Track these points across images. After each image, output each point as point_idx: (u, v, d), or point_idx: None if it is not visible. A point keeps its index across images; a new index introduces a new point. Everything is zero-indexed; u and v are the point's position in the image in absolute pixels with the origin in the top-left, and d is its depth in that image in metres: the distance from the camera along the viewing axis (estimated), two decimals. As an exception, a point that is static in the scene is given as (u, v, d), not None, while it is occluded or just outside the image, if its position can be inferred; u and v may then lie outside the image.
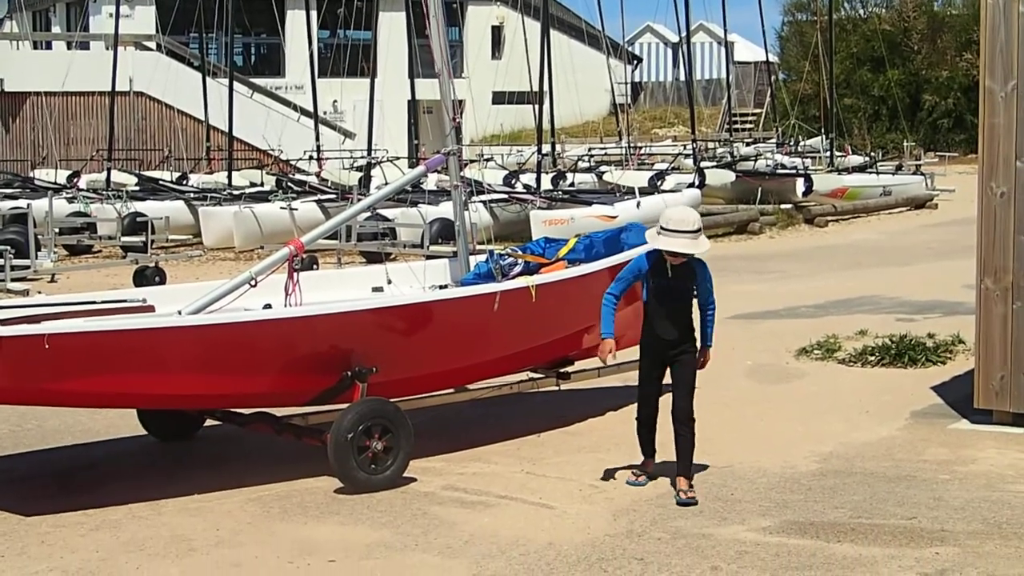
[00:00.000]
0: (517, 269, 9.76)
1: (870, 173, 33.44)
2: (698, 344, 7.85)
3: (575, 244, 10.33)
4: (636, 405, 8.06)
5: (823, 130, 36.79)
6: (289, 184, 27.57)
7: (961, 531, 6.93)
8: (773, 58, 48.04)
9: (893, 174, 33.77)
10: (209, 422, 9.31)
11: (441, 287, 9.99)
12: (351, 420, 7.90)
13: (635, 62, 57.12)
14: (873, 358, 11.87)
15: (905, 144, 40.64)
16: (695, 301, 7.90)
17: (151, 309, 8.83)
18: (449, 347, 8.87)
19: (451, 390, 9.50)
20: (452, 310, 8.90)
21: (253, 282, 8.62)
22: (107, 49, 33.20)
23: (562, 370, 10.01)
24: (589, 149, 38.73)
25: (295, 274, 8.78)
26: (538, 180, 26.62)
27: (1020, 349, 9.22)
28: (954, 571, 6.30)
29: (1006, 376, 9.28)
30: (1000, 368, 9.30)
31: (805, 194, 30.03)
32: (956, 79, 49.49)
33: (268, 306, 8.71)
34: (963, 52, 49.16)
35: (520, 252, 10.24)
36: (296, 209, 22.70)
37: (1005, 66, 9.26)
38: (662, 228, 7.59)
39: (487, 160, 33.67)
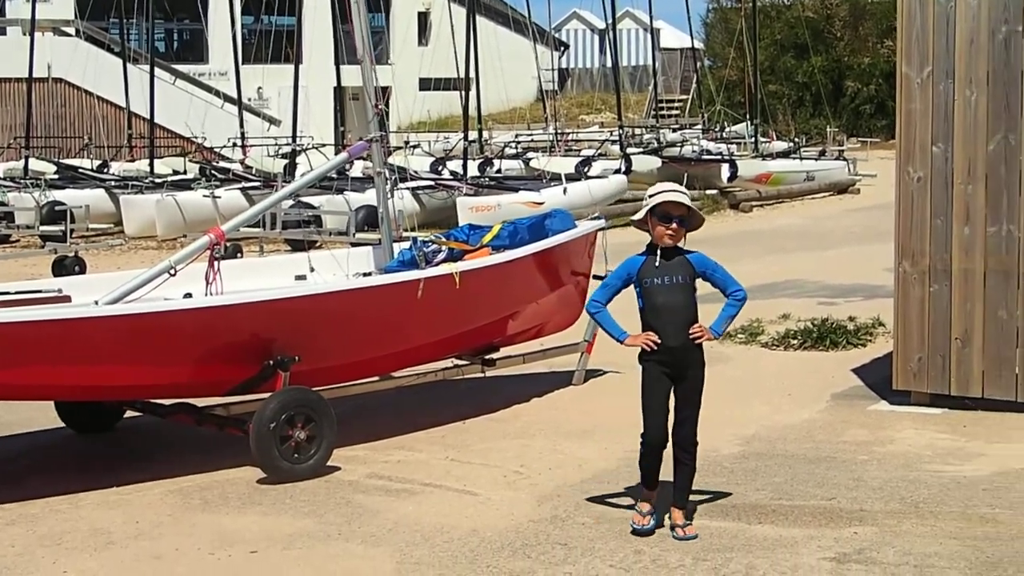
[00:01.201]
0: (441, 256, 9.74)
1: (794, 159, 33.78)
2: (705, 356, 6.84)
3: (499, 231, 10.33)
4: (643, 433, 6.73)
5: (748, 116, 37.09)
6: (212, 172, 27.33)
7: (879, 511, 7.03)
8: (699, 45, 48.41)
9: (816, 160, 34.14)
10: (129, 414, 9.22)
11: (364, 275, 9.95)
12: (273, 409, 7.85)
13: (562, 49, 57.20)
14: (796, 341, 11.99)
15: (828, 130, 41.09)
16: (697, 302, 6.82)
17: (67, 299, 8.71)
18: (373, 335, 8.84)
19: (376, 378, 9.47)
20: (375, 298, 8.86)
21: (172, 271, 8.54)
22: (24, 35, 32.68)
23: (487, 357, 10.03)
24: (516, 136, 38.75)
25: (215, 262, 8.70)
26: (465, 167, 26.60)
27: (937, 331, 9.36)
28: (872, 550, 6.38)
29: (923, 357, 9.41)
30: (918, 350, 9.43)
31: (730, 180, 30.25)
32: (878, 66, 50.07)
33: (189, 295, 8.63)
34: (884, 39, 49.72)
35: (444, 239, 10.22)
36: (219, 197, 22.50)
37: (921, 53, 9.37)
38: (655, 194, 6.68)
39: (413, 147, 33.56)
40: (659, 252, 6.67)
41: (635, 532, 6.69)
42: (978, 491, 7.33)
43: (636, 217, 6.76)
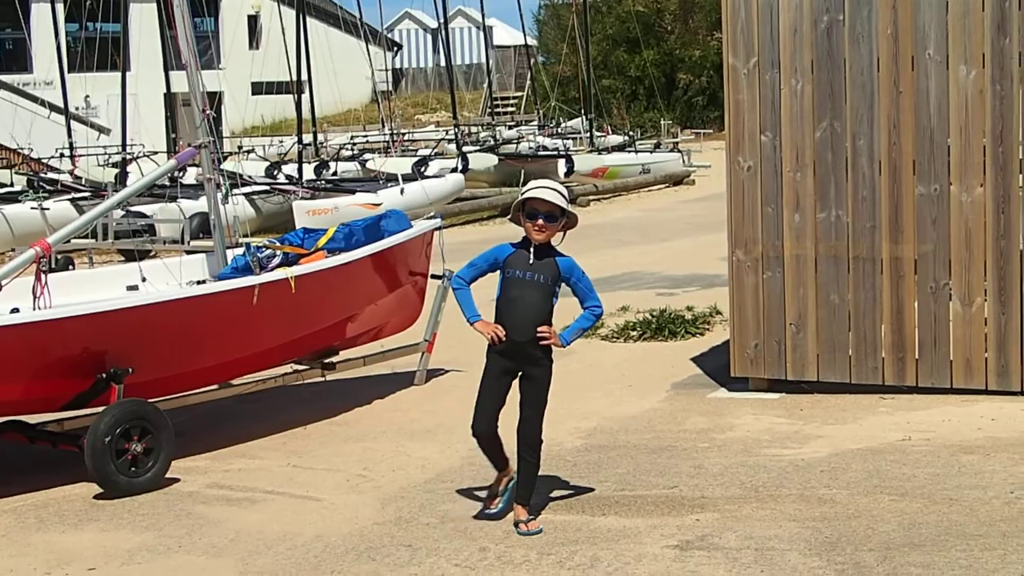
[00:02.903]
0: (276, 261, 9.59)
1: (629, 152, 34.24)
2: (553, 358, 6.80)
3: (334, 233, 10.22)
4: (473, 418, 6.76)
5: (583, 111, 37.45)
6: (41, 183, 26.55)
7: (720, 496, 7.12)
8: (532, 41, 48.74)
9: (651, 152, 34.66)
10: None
11: (198, 283, 9.75)
12: (108, 423, 7.64)
13: (395, 49, 57.03)
14: (635, 333, 12.11)
15: (662, 122, 41.74)
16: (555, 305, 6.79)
17: None
18: (208, 343, 8.68)
19: (214, 386, 9.30)
20: (209, 306, 8.68)
21: (-3, 286, 8.26)
22: None
23: (327, 360, 9.92)
24: (352, 137, 38.51)
25: (43, 276, 8.45)
26: (300, 170, 26.33)
27: (772, 317, 9.53)
28: (714, 536, 6.46)
29: (760, 344, 9.57)
30: (754, 336, 9.59)
31: (567, 175, 30.51)
32: (708, 58, 51.00)
33: (16, 310, 8.35)
34: (714, 31, 50.67)
35: (278, 244, 10.07)
36: (48, 209, 21.86)
37: (747, 44, 9.53)
38: (527, 191, 6.67)
39: (247, 152, 33.11)
40: (532, 248, 6.64)
41: (480, 515, 6.84)
42: (816, 473, 7.48)
43: (509, 216, 6.77)
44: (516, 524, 6.67)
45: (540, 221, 6.57)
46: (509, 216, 6.77)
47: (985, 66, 8.90)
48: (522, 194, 6.66)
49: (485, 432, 6.73)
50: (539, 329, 6.63)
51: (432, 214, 11.66)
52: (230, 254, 9.95)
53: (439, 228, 10.97)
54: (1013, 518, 6.44)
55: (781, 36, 9.41)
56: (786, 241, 9.47)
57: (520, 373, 6.73)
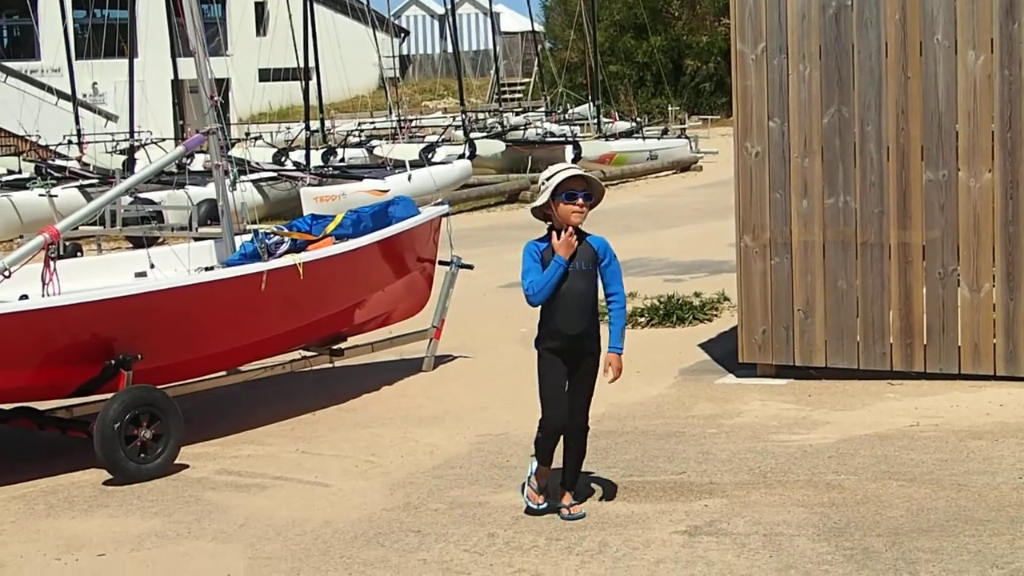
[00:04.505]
0: (284, 247, 9.59)
1: (636, 138, 34.19)
2: (603, 345, 6.61)
3: (342, 219, 10.23)
4: (543, 419, 6.54)
5: (590, 97, 37.40)
6: (49, 170, 26.58)
7: (728, 482, 7.12)
8: (539, 28, 48.59)
9: (659, 139, 34.60)
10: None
11: (206, 269, 9.76)
12: (116, 410, 7.66)
13: (402, 35, 56.98)
14: (643, 319, 12.10)
15: (669, 108, 41.69)
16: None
17: None
18: (217, 330, 8.69)
19: (223, 373, 9.33)
20: (217, 292, 8.69)
21: (7, 272, 8.30)
22: None
23: (335, 347, 9.94)
24: (359, 124, 38.50)
25: (51, 262, 8.47)
26: (307, 157, 26.33)
27: (780, 303, 9.53)
28: (722, 521, 6.46)
29: (767, 330, 9.57)
30: (762, 322, 9.59)
31: (574, 161, 30.43)
32: (716, 44, 50.86)
33: (25, 297, 8.37)
34: (721, 17, 50.52)
35: (286, 230, 10.08)
36: (56, 196, 21.89)
37: (755, 29, 9.52)
38: (552, 176, 6.40)
39: (255, 138, 33.11)
40: (560, 235, 6.39)
41: (530, 511, 6.64)
42: (824, 459, 7.48)
43: (538, 203, 6.41)
44: (559, 509, 6.60)
45: (580, 200, 6.35)
46: (535, 207, 6.45)
47: (993, 51, 8.88)
48: (547, 179, 6.39)
49: (562, 428, 6.53)
50: (611, 378, 6.55)
51: (440, 200, 11.66)
52: (238, 241, 9.96)
53: (447, 214, 10.98)
54: (1022, 503, 6.44)
55: (789, 22, 9.39)
56: (794, 227, 9.47)
57: (570, 367, 6.52)
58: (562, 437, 6.60)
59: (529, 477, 6.72)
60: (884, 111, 9.17)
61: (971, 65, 8.93)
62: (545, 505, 6.65)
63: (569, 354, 6.49)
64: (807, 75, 9.36)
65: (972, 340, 9.02)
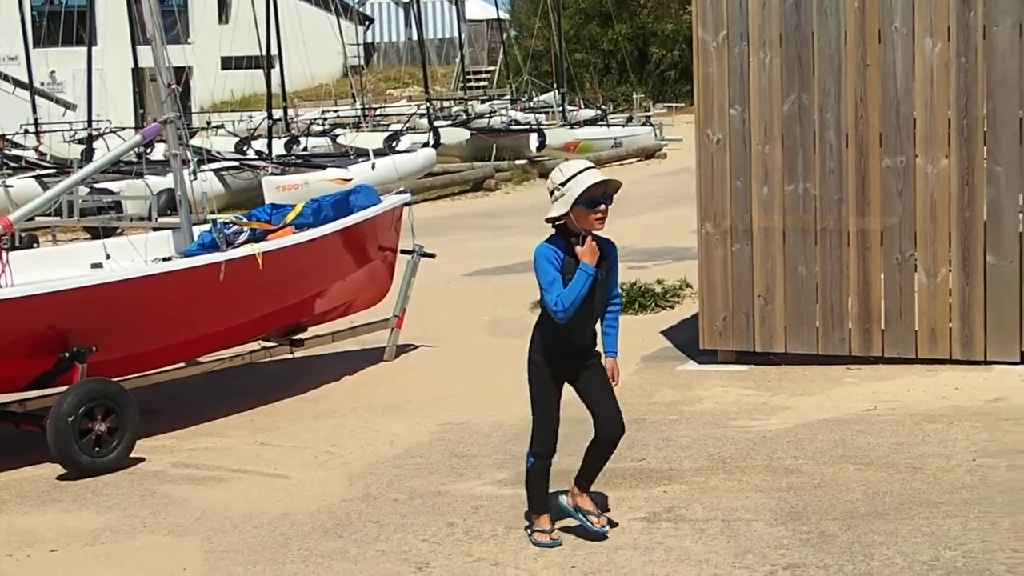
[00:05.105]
0: (243, 237, 9.52)
1: (601, 126, 34.21)
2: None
3: (303, 209, 10.18)
4: (536, 444, 6.02)
5: (555, 85, 37.38)
6: (4, 160, 26.32)
7: (688, 468, 7.13)
8: (504, 15, 48.58)
9: (623, 126, 34.62)
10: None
11: (164, 260, 9.69)
12: (71, 403, 7.59)
13: (367, 23, 56.75)
14: (604, 306, 12.08)
15: (634, 96, 41.70)
16: None
17: None
18: (174, 321, 8.63)
19: (181, 364, 9.26)
20: (174, 283, 8.63)
21: (-42, 264, 8.20)
22: None
23: (295, 337, 9.89)
24: (323, 112, 38.34)
25: (4, 254, 8.39)
26: (269, 146, 26.20)
27: (740, 290, 9.54)
28: (681, 507, 6.47)
29: (728, 316, 9.58)
30: (722, 309, 9.60)
31: (539, 149, 30.49)
32: (681, 31, 50.89)
33: (-23, 289, 8.28)
34: (686, 5, 50.44)
35: (245, 220, 10.01)
36: (11, 186, 21.70)
37: (716, 17, 9.51)
38: (569, 180, 5.69)
39: (217, 127, 32.92)
40: (577, 240, 5.75)
41: (544, 546, 6.02)
42: (783, 444, 7.49)
43: (556, 213, 5.70)
44: (588, 520, 6.05)
45: (603, 206, 5.70)
46: (554, 217, 5.71)
47: (950, 39, 8.91)
48: (562, 185, 5.66)
49: (555, 449, 6.03)
50: (613, 381, 6.07)
51: (401, 189, 11.62)
52: (197, 231, 9.89)
53: (409, 203, 10.94)
54: (974, 485, 6.47)
55: (750, 9, 9.39)
56: (754, 214, 9.48)
57: (570, 375, 6.00)
58: (596, 442, 6.03)
59: (531, 532, 6.11)
60: (843, 98, 9.19)
61: (928, 53, 8.96)
62: (559, 540, 6.03)
63: (574, 362, 5.96)
64: (768, 62, 9.37)
65: (929, 325, 9.06)
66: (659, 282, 12.62)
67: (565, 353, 5.93)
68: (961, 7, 8.85)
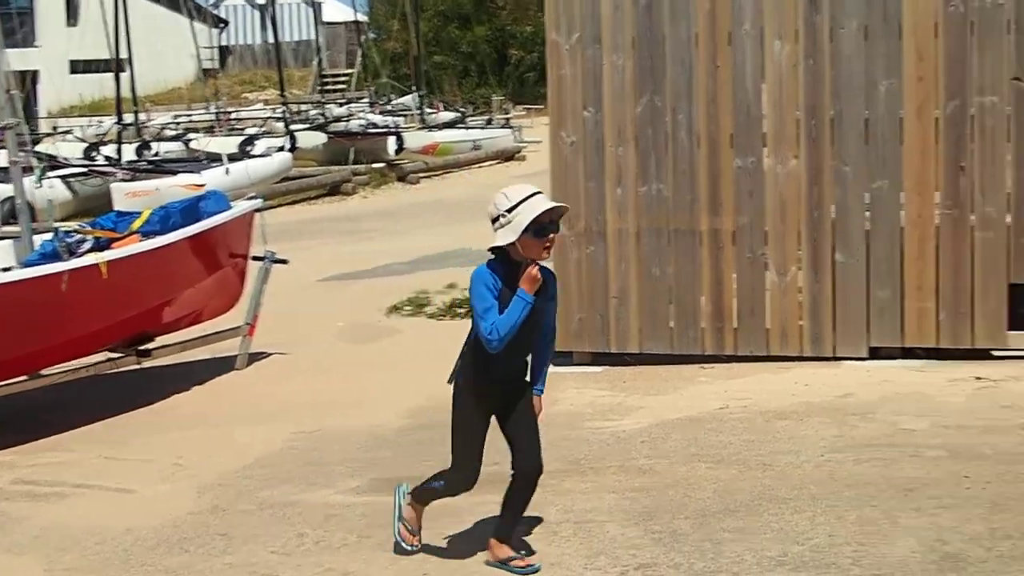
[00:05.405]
0: (86, 246, 9.27)
1: (460, 128, 34.16)
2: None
3: (149, 216, 9.95)
4: (454, 479, 5.69)
5: (414, 88, 37.26)
6: None
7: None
8: (362, 17, 48.28)
9: (483, 128, 34.64)
10: None
11: (3, 270, 9.37)
12: (-98, 420, 7.30)
13: (221, 25, 55.92)
14: (461, 310, 12.03)
15: (494, 98, 41.75)
16: None
17: None
18: (15, 333, 8.37)
19: (23, 378, 8.96)
20: (13, 294, 8.35)
21: None
22: None
23: (142, 347, 9.65)
24: (175, 116, 37.67)
25: None
26: (119, 151, 25.66)
27: (595, 291, 9.55)
28: (534, 510, 6.36)
29: (583, 317, 9.59)
30: (577, 310, 9.60)
31: (397, 152, 30.36)
32: (540, 33, 50.19)
33: None
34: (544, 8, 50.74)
35: (88, 228, 9.74)
36: None
37: (568, 20, 9.52)
38: (515, 206, 5.30)
39: (64, 133, 32.13)
40: (518, 266, 5.34)
41: (401, 552, 5.85)
42: (636, 444, 7.51)
43: (503, 241, 5.31)
44: (509, 563, 5.66)
45: (552, 235, 5.34)
46: (499, 247, 5.34)
47: (798, 41, 9.03)
48: (509, 211, 5.30)
49: (469, 490, 5.70)
50: (535, 412, 5.66)
51: (252, 194, 11.43)
52: (39, 239, 9.59)
53: (260, 209, 10.77)
54: (822, 481, 6.55)
55: (603, 12, 9.41)
56: (608, 215, 9.50)
57: (497, 405, 5.60)
58: (514, 482, 5.62)
59: (400, 514, 5.91)
60: (695, 100, 9.26)
61: (777, 55, 9.07)
62: (419, 548, 5.88)
63: (503, 393, 5.57)
64: (621, 65, 9.40)
65: (780, 323, 9.18)
66: (517, 284, 12.59)
67: (498, 384, 5.54)
68: (809, 9, 8.98)
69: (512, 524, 5.73)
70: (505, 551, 5.70)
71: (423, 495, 5.87)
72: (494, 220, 5.39)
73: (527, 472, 5.56)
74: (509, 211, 5.32)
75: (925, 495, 6.18)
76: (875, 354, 9.03)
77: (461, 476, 5.64)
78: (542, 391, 5.72)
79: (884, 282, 8.98)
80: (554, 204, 5.35)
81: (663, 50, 9.31)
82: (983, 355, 8.85)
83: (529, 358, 5.65)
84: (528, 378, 5.67)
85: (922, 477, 6.48)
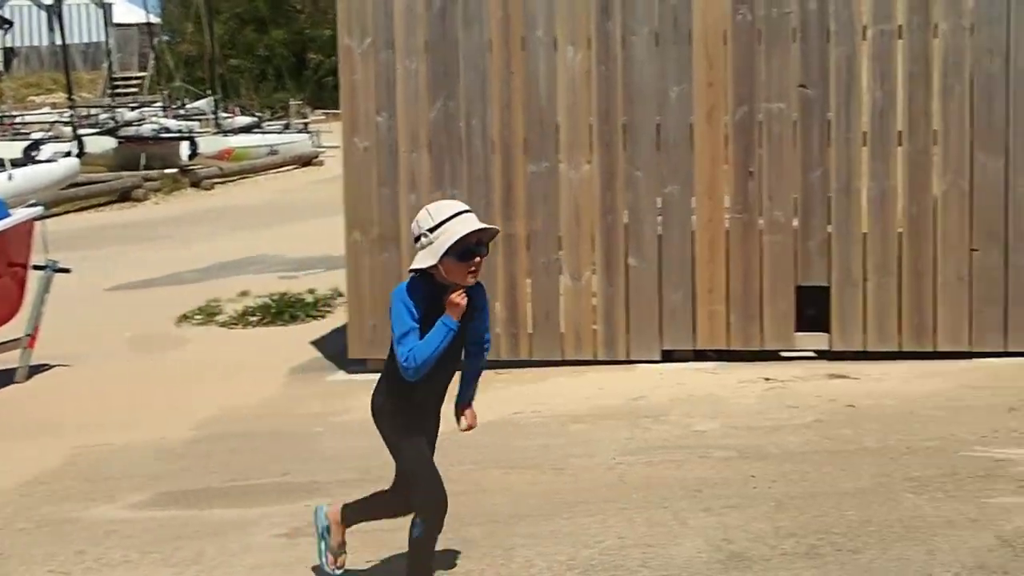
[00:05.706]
0: None
1: (256, 133, 33.67)
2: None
3: (-79, 222, 9.48)
4: (423, 501, 5.16)
5: (209, 91, 36.59)
6: None
7: (332, 481, 6.95)
8: (155, 19, 47.17)
9: (280, 133, 34.20)
10: None
11: None
12: None
13: (6, 26, 53.91)
14: (254, 318, 11.83)
15: (291, 103, 41.29)
16: None
17: None
18: None
19: None
20: None
21: None
22: None
23: (-88, 359, 9.18)
24: (-44, 120, 36.20)
25: None
26: None
27: (387, 299, 9.44)
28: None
29: (377, 324, 9.46)
30: (371, 317, 9.48)
31: (191, 157, 29.75)
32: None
33: None
34: (341, 13, 50.43)
35: None
36: None
37: (361, 24, 9.42)
38: (438, 226, 4.77)
39: None
40: (443, 287, 4.86)
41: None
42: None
43: (422, 264, 4.81)
44: (332, 549, 5.47)
45: (478, 259, 4.86)
46: (418, 268, 4.84)
47: (591, 47, 9.11)
48: (430, 232, 4.78)
49: (445, 511, 5.21)
50: (466, 427, 5.42)
51: (32, 202, 11.01)
52: None
53: (41, 216, 10.37)
54: (613, 484, 6.58)
55: (395, 16, 9.34)
56: (403, 221, 9.41)
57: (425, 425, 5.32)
58: (393, 492, 5.41)
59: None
60: (489, 105, 9.26)
61: (570, 61, 9.13)
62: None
63: (426, 413, 5.26)
64: (414, 70, 9.34)
65: (574, 327, 9.24)
66: (311, 292, 12.46)
67: (422, 407, 5.22)
68: (601, 16, 9.07)
69: (362, 519, 5.53)
70: (340, 535, 5.48)
71: (415, 560, 5.25)
72: (416, 239, 4.92)
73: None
74: (432, 230, 4.82)
75: (714, 495, 6.26)
76: (668, 357, 9.16)
77: (434, 503, 5.16)
78: (470, 399, 5.39)
79: (676, 285, 9.12)
80: (482, 226, 4.85)
81: (457, 55, 9.29)
82: (772, 356, 9.06)
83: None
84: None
85: (711, 477, 6.57)
